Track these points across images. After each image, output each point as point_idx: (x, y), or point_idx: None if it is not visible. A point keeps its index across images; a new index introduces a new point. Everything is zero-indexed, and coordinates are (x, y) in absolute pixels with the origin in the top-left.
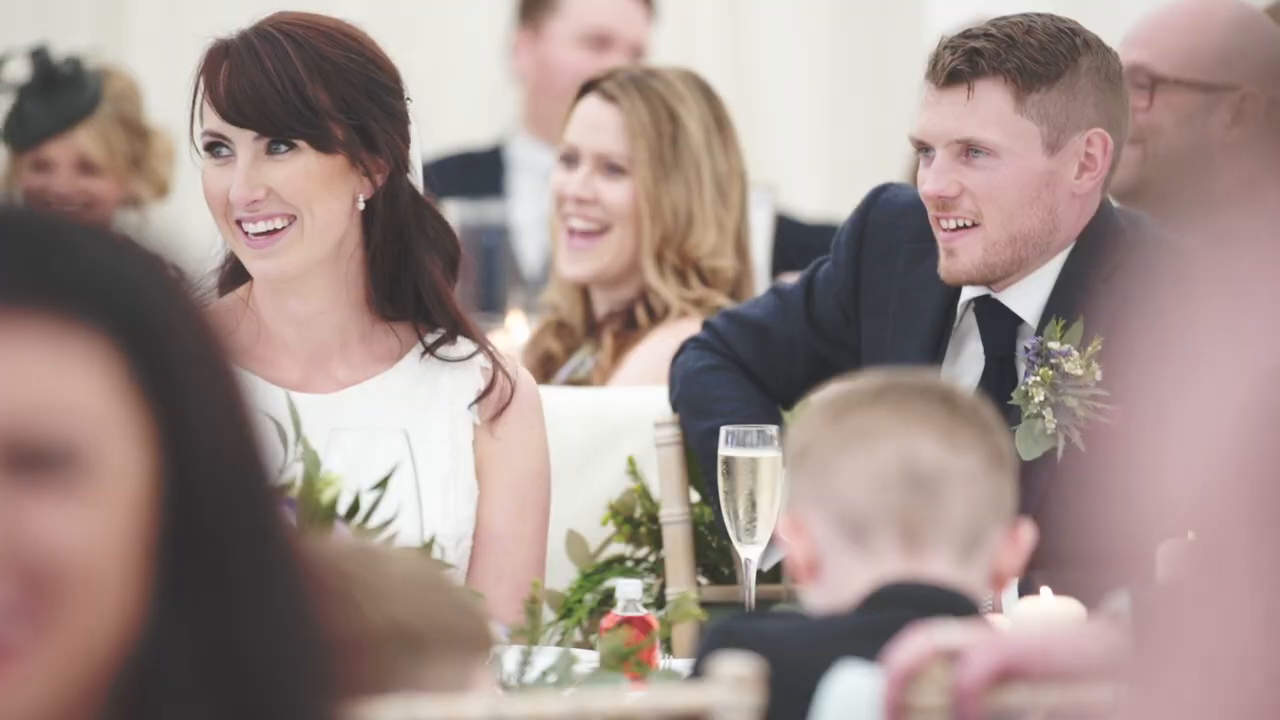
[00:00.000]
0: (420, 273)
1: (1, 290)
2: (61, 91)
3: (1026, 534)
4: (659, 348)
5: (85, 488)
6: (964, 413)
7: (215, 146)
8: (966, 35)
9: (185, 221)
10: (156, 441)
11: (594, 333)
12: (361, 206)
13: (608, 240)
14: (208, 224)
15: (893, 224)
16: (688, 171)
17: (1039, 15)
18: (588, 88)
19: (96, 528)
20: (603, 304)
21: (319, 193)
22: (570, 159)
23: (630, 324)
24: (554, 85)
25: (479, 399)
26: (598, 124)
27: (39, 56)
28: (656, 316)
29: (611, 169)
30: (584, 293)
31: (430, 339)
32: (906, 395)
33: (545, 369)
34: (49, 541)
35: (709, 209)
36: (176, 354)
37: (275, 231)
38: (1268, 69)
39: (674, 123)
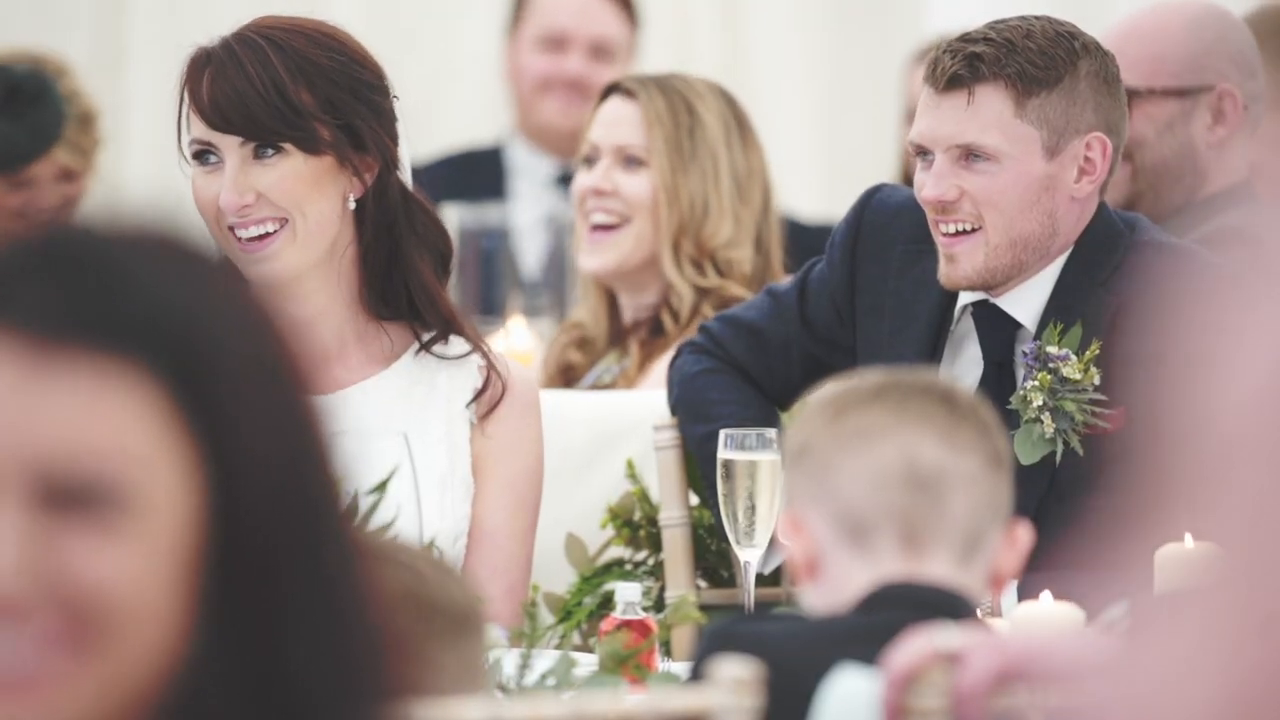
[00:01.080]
0: (409, 271)
1: (42, 325)
2: (32, 111)
3: (1024, 535)
4: None
5: (126, 525)
6: (964, 413)
7: (203, 154)
8: (965, 39)
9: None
10: (203, 475)
11: (619, 341)
12: (353, 206)
13: (626, 232)
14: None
15: (887, 224)
16: (704, 163)
17: (1037, 18)
18: (610, 90)
19: (138, 564)
20: (628, 311)
21: (309, 194)
22: (591, 159)
23: (657, 331)
24: (520, 90)
25: (476, 397)
26: (617, 120)
27: None
28: (680, 319)
29: (630, 161)
30: (610, 303)
31: (425, 337)
32: (907, 395)
33: (566, 379)
34: (90, 578)
35: (725, 200)
36: (226, 385)
37: (267, 235)
38: (1238, 62)
39: (691, 115)
